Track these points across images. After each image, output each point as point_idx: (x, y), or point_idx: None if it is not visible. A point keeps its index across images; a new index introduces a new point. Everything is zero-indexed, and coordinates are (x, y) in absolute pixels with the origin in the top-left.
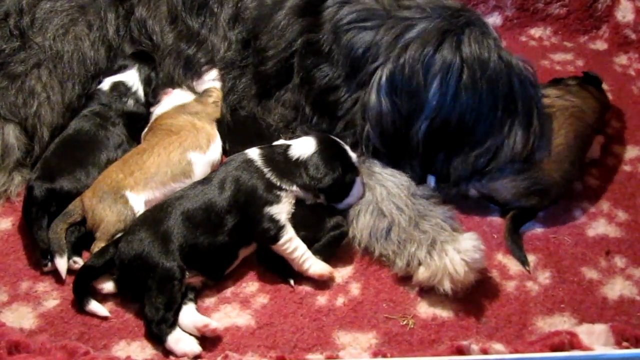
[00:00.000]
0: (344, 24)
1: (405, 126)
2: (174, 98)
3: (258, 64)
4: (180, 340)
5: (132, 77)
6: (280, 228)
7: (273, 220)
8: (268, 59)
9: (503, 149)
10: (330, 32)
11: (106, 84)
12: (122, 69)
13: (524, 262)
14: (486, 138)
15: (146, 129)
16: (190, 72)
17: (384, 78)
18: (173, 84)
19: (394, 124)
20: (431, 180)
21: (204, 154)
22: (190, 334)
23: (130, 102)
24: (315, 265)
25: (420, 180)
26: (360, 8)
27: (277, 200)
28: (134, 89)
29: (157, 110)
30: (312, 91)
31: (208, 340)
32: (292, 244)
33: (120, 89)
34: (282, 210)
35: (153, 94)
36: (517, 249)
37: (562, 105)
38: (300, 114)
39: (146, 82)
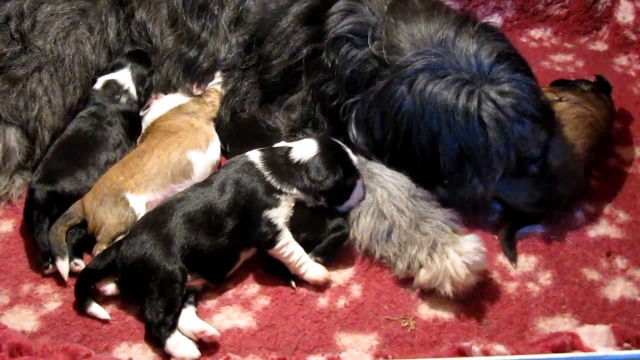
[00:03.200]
0: (342, 36)
1: (380, 153)
2: (165, 102)
3: (262, 72)
4: (179, 345)
5: (124, 76)
6: (277, 232)
7: (270, 224)
8: (273, 67)
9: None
10: (331, 45)
11: (99, 83)
12: (115, 67)
13: (512, 259)
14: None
15: (141, 135)
16: (190, 74)
17: (353, 114)
18: (170, 87)
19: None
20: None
21: (204, 153)
22: (190, 338)
23: (123, 99)
24: (311, 270)
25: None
26: (364, 20)
27: (276, 203)
28: (125, 87)
29: (149, 116)
30: (325, 107)
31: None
32: (288, 249)
33: (113, 87)
34: (280, 214)
35: (145, 94)
36: (508, 247)
37: (581, 113)
38: (312, 122)
39: (138, 81)
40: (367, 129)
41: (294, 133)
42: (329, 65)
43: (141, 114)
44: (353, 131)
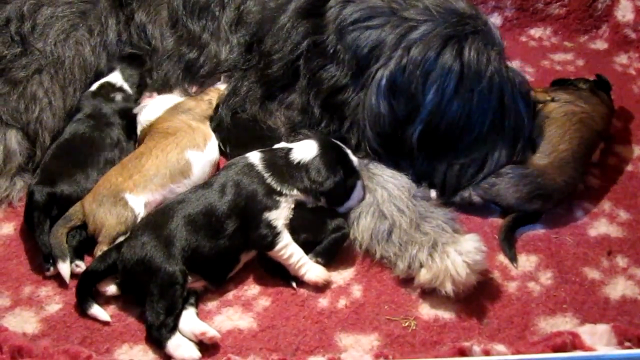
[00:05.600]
0: (348, 23)
1: (401, 129)
2: (160, 103)
3: (264, 68)
4: (179, 346)
5: (115, 77)
6: (276, 234)
7: (270, 226)
8: (274, 62)
9: (487, 161)
10: (334, 33)
11: (93, 86)
12: (109, 71)
13: (512, 259)
14: (471, 150)
15: (139, 137)
16: (189, 75)
17: (384, 80)
18: (167, 87)
19: (391, 126)
20: (432, 192)
21: (202, 152)
22: (190, 339)
23: (118, 97)
24: (311, 271)
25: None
26: (364, 7)
27: (275, 205)
28: (118, 85)
29: (144, 117)
30: (320, 93)
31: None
32: (287, 250)
33: (107, 88)
34: (280, 216)
35: (137, 91)
36: (508, 247)
37: (571, 110)
38: (308, 116)
39: (130, 80)
40: (404, 94)
41: (294, 132)
42: (332, 51)
43: (134, 111)
44: (374, 102)
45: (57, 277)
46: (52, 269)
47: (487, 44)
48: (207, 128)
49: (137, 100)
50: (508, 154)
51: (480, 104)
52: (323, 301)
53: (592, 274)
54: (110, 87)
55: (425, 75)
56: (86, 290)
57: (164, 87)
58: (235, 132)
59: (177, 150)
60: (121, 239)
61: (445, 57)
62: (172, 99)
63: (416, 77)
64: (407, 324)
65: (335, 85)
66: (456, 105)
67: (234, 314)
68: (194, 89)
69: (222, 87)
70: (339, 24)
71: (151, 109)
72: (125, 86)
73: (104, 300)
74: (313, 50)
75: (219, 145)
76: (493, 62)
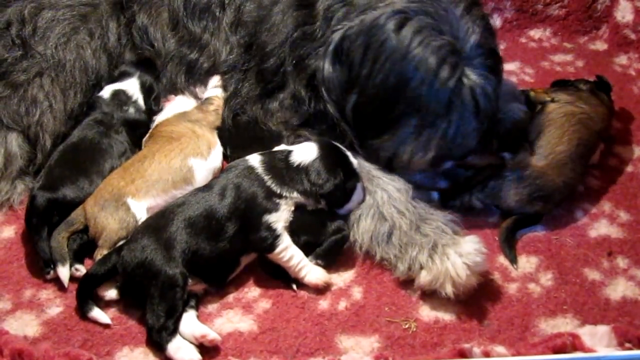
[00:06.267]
0: (337, 8)
1: (344, 98)
2: (175, 105)
3: (259, 62)
4: (180, 349)
5: (132, 86)
6: (276, 237)
7: (270, 228)
8: (267, 55)
9: (399, 151)
10: (323, 19)
11: (107, 91)
12: (122, 76)
13: (512, 261)
14: (382, 132)
15: (147, 136)
16: (192, 77)
17: (332, 44)
18: (175, 90)
19: (340, 94)
20: (434, 195)
21: (205, 160)
22: (191, 342)
23: (131, 110)
24: (311, 274)
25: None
26: None
27: (275, 208)
28: (134, 98)
29: (158, 118)
30: (306, 75)
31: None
32: (287, 253)
33: (121, 97)
34: (279, 218)
35: (155, 103)
36: (508, 248)
37: (570, 111)
38: (296, 101)
39: (147, 91)
40: (347, 60)
41: (294, 133)
42: (319, 36)
43: (154, 117)
44: (326, 66)
45: (58, 280)
46: (52, 272)
47: (433, 29)
48: (213, 136)
49: (155, 112)
50: (414, 144)
51: (394, 85)
52: (323, 303)
53: (593, 275)
54: (126, 97)
55: (366, 45)
56: (87, 293)
57: (173, 91)
58: (236, 134)
59: (180, 157)
60: (122, 243)
61: (385, 29)
62: (187, 102)
63: (357, 45)
64: (407, 326)
65: (318, 66)
66: (380, 79)
67: (234, 316)
68: (198, 88)
69: (219, 90)
70: (327, 10)
71: (169, 109)
72: (140, 100)
73: (105, 303)
74: (302, 38)
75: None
76: (422, 47)
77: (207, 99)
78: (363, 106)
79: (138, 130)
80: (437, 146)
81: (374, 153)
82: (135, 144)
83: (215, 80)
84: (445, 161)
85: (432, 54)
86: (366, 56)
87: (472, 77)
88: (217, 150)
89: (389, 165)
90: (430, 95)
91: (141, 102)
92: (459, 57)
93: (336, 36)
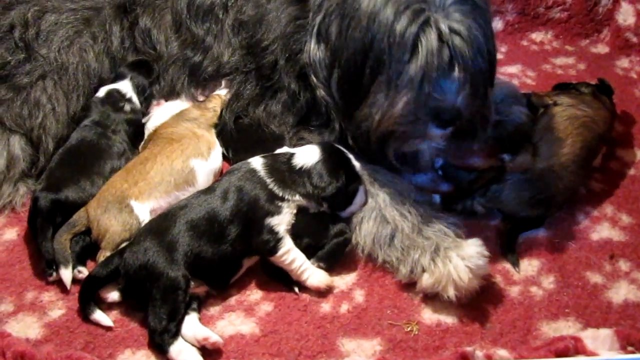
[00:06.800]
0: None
1: (328, 78)
2: (167, 109)
3: (258, 59)
4: (182, 352)
5: (125, 85)
6: (278, 240)
7: (272, 231)
8: (265, 50)
9: (371, 112)
10: (316, 11)
11: (101, 92)
12: (118, 77)
13: (514, 264)
14: (360, 102)
15: (144, 141)
16: (195, 80)
17: (316, 26)
18: (174, 93)
19: (326, 74)
20: (436, 199)
21: (206, 160)
22: (193, 345)
23: (127, 107)
24: (313, 276)
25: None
26: None
27: (278, 211)
28: (127, 96)
29: (151, 123)
30: (297, 67)
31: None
32: (290, 256)
33: (115, 96)
34: (282, 221)
35: (146, 103)
36: (510, 252)
37: (573, 114)
38: (290, 98)
39: (139, 90)
40: (326, 36)
41: (295, 133)
42: (311, 27)
43: (144, 121)
44: (312, 47)
45: (60, 283)
46: (54, 274)
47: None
48: (211, 136)
49: (145, 112)
50: (381, 104)
51: (363, 46)
52: (325, 306)
53: (595, 278)
54: (120, 96)
55: (342, 16)
56: (89, 295)
57: (171, 94)
58: (238, 136)
59: (182, 158)
60: (124, 245)
61: (364, 4)
62: (179, 105)
63: (334, 19)
64: (409, 329)
65: (305, 50)
66: (352, 47)
67: (237, 319)
68: (199, 92)
69: (223, 92)
70: (320, 3)
71: (158, 115)
72: (134, 98)
73: (107, 306)
74: (295, 32)
75: (222, 151)
76: (385, 2)
77: (207, 97)
78: (342, 80)
79: (136, 130)
80: (407, 99)
81: (363, 137)
82: (134, 144)
83: (223, 87)
84: (428, 125)
85: (391, 5)
86: (342, 27)
87: (440, 21)
88: (217, 151)
89: (368, 137)
90: (392, 47)
91: (136, 100)
92: (425, 4)
93: (318, 17)
